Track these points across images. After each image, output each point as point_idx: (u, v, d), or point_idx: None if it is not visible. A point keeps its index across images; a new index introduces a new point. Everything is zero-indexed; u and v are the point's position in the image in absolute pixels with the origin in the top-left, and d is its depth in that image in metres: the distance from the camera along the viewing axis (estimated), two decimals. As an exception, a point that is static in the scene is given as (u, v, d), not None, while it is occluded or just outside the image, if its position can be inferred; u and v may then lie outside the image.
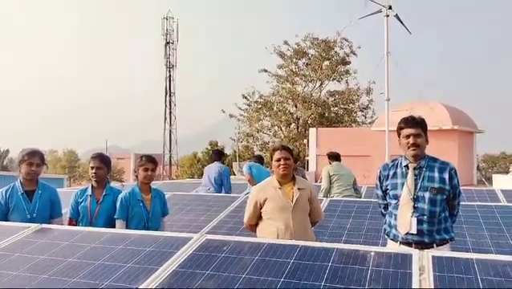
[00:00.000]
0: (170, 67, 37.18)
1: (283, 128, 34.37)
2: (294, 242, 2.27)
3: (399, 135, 3.04)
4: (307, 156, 27.03)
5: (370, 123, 30.96)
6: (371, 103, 33.31)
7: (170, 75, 37.17)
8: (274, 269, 1.96)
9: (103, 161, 3.79)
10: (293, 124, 33.95)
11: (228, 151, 37.84)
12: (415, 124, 2.97)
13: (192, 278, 1.95)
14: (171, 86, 37.30)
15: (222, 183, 6.92)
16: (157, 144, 39.72)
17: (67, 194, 4.30)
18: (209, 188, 6.90)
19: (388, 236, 3.04)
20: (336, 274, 1.87)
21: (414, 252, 1.98)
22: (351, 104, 33.83)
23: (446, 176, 2.89)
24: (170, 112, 37.39)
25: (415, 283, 1.74)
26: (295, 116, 33.68)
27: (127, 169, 48.85)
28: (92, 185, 3.79)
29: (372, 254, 2.00)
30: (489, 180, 23.94)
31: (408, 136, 2.95)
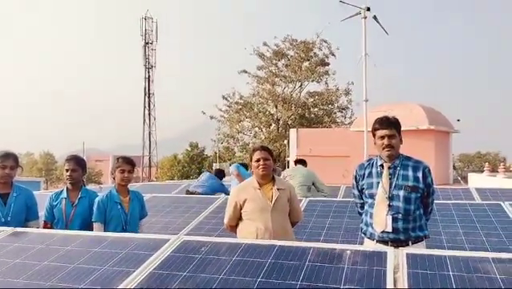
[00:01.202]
0: (149, 67, 36.85)
1: (264, 129, 34.48)
2: (271, 241, 2.28)
3: (374, 136, 3.09)
4: (288, 156, 27.16)
5: (349, 123, 31.31)
6: (350, 104, 33.73)
7: (149, 76, 36.86)
8: (252, 269, 1.96)
9: (78, 163, 3.73)
10: (273, 125, 34.08)
11: (208, 152, 37.71)
12: (389, 125, 3.01)
13: (169, 279, 1.94)
14: (150, 87, 36.97)
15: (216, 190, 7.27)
16: (137, 146, 39.28)
17: (44, 197, 4.20)
18: (201, 190, 7.10)
19: (365, 234, 3.08)
20: (313, 273, 1.89)
21: (389, 250, 2.02)
22: (330, 105, 34.17)
23: (420, 174, 2.95)
24: (149, 114, 37.06)
25: (389, 281, 1.77)
26: (275, 116, 33.82)
27: (105, 172, 48.10)
28: (67, 188, 3.73)
29: (348, 252, 2.02)
30: (465, 179, 24.47)
31: (382, 137, 2.99)
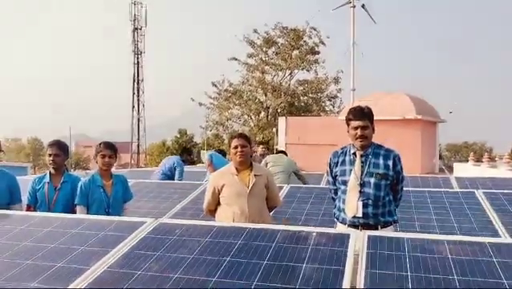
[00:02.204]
0: (138, 53, 36.52)
1: (253, 117, 34.48)
2: (243, 224, 2.39)
3: (348, 125, 3.19)
4: (276, 144, 27.29)
5: (338, 112, 31.43)
6: (339, 92, 33.83)
7: (138, 62, 36.53)
8: (222, 249, 2.07)
9: (60, 148, 3.79)
10: (263, 113, 34.08)
11: (197, 139, 37.70)
12: (363, 116, 3.11)
13: (144, 258, 2.04)
14: (139, 73, 36.69)
15: (172, 175, 7.02)
16: (126, 133, 39.09)
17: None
18: (156, 177, 7.00)
19: (338, 219, 3.21)
20: (279, 252, 2.00)
21: (352, 232, 2.14)
22: (319, 93, 34.24)
23: (390, 162, 3.07)
24: (138, 100, 36.84)
25: (350, 260, 1.89)
26: (265, 104, 33.81)
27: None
28: (50, 172, 3.79)
29: (314, 234, 2.14)
30: (451, 168, 24.83)
31: (356, 128, 3.10)
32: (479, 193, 4.87)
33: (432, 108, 24.37)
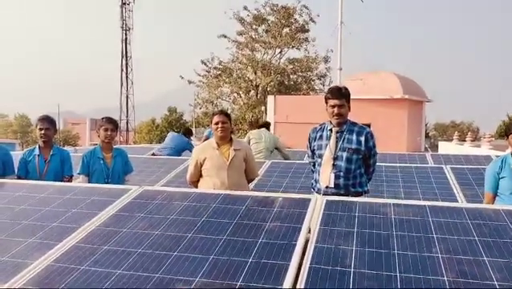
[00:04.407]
0: (126, 29, 36.11)
1: (243, 95, 34.57)
2: (217, 191, 2.67)
3: (326, 103, 3.47)
4: (266, 123, 27.50)
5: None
6: (328, 71, 33.99)
7: (126, 38, 36.16)
8: (199, 211, 2.36)
9: (50, 123, 4.05)
10: (252, 91, 34.17)
11: (187, 117, 37.79)
12: (340, 96, 3.38)
13: (128, 219, 2.32)
14: (127, 49, 36.37)
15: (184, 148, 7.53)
16: (113, 110, 38.99)
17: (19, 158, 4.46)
18: (166, 152, 7.30)
19: (314, 189, 3.52)
20: (248, 214, 2.29)
21: (313, 197, 2.43)
22: (309, 72, 34.37)
23: (362, 138, 3.36)
24: (127, 77, 36.62)
25: (307, 219, 2.19)
26: (255, 83, 33.87)
27: (82, 135, 47.74)
28: (39, 146, 4.05)
29: (280, 199, 2.43)
30: (437, 147, 25.40)
31: (333, 106, 3.37)
32: (447, 168, 5.21)
33: (420, 88, 24.71)
